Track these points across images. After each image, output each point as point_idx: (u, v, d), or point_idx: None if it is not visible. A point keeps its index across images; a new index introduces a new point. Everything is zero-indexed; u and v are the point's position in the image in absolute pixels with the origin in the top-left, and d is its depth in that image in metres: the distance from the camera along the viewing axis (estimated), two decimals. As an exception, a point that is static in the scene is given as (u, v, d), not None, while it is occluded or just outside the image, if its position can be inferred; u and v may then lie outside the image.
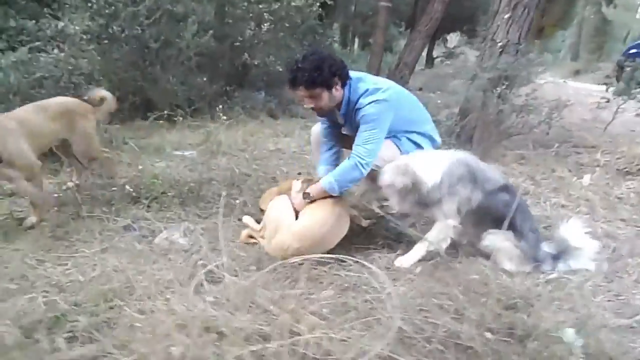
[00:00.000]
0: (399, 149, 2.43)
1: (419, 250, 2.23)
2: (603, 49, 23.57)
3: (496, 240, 2.13)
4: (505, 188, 2.17)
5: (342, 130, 2.64)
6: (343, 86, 2.36)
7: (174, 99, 5.11)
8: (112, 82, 4.76)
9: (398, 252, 2.32)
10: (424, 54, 13.87)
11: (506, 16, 3.66)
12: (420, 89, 9.51)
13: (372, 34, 10.90)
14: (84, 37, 4.69)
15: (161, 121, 5.14)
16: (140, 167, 3.32)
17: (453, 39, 19.56)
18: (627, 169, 3.69)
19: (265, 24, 5.26)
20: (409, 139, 2.47)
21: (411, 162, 2.20)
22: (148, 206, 2.80)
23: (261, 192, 3.13)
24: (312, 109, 2.41)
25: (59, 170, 3.31)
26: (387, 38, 14.65)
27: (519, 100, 3.80)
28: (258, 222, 2.50)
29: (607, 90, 4.52)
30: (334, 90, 2.31)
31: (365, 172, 2.25)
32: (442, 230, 2.21)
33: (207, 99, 5.43)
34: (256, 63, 5.43)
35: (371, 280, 1.93)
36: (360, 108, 2.29)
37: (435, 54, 17.16)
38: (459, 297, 1.87)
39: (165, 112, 4.40)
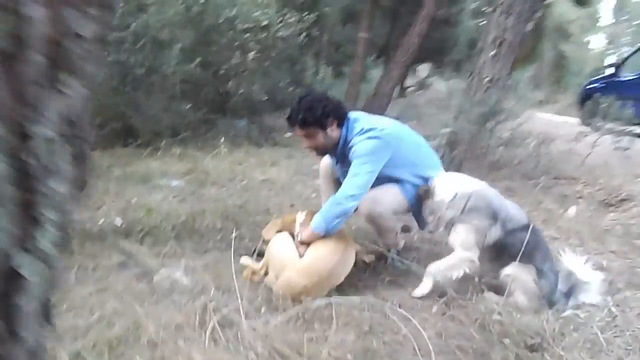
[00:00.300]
0: (405, 196, 2.40)
1: (427, 281, 2.22)
2: (561, 82, 24.94)
3: (518, 271, 2.13)
4: (527, 227, 2.18)
5: (335, 170, 2.64)
6: (340, 126, 2.37)
7: (156, 126, 5.01)
8: (94, 108, 4.61)
9: (409, 290, 2.28)
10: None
11: (492, 53, 3.82)
12: (397, 119, 9.72)
13: (344, 64, 11.13)
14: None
15: (143, 149, 5.05)
16: (133, 199, 3.18)
17: (423, 69, 20.24)
18: (607, 201, 3.84)
19: (251, 53, 5.26)
20: (412, 184, 2.40)
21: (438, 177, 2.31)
22: (141, 240, 2.67)
23: (256, 225, 3.08)
24: (309, 148, 2.45)
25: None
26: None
27: (506, 134, 3.93)
28: (260, 255, 2.44)
29: (584, 124, 4.73)
30: (329, 130, 2.33)
31: (350, 206, 2.19)
32: (453, 260, 2.20)
33: (190, 126, 5.34)
34: (241, 91, 5.39)
35: (387, 321, 1.89)
36: (353, 145, 2.30)
37: (406, 83, 17.65)
38: (476, 337, 1.86)
39: (148, 139, 4.29)
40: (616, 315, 2.21)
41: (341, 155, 2.43)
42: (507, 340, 1.76)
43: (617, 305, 2.29)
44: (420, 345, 1.74)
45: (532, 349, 1.77)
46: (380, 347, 1.71)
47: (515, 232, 2.15)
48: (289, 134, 6.88)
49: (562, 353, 1.76)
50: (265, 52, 5.49)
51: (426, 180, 2.39)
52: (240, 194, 3.76)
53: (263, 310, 1.97)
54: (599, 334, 2.01)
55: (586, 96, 9.63)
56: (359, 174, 2.22)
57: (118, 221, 2.89)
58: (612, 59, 13.23)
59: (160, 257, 2.50)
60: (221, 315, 1.78)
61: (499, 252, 2.18)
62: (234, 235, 2.83)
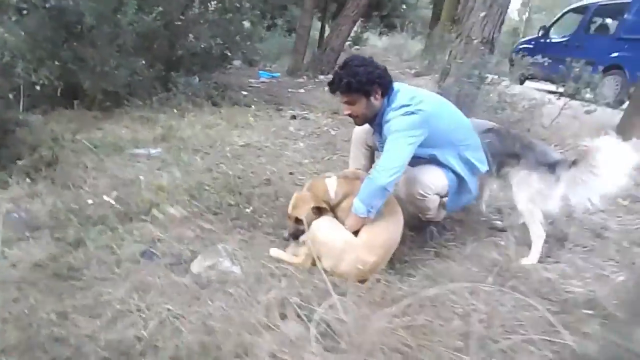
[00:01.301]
0: (447, 177, 2.29)
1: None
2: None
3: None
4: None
5: (374, 140, 2.48)
6: (383, 95, 2.21)
7: (107, 84, 4.37)
8: (30, 62, 3.87)
9: (457, 261, 2.25)
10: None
11: (482, 14, 3.77)
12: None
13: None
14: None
15: (93, 111, 4.43)
16: (115, 172, 2.76)
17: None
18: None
19: (212, 2, 4.70)
20: (451, 165, 2.28)
21: None
22: (152, 221, 2.33)
23: (267, 198, 2.85)
24: (350, 116, 2.27)
25: (7, 181, 2.59)
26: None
27: (495, 97, 3.97)
28: (295, 237, 2.24)
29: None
30: (372, 98, 2.17)
31: (387, 182, 2.01)
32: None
33: (144, 85, 4.74)
34: (202, 46, 4.85)
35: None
36: (389, 120, 2.15)
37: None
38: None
39: (97, 99, 3.71)
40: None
41: (379, 126, 2.27)
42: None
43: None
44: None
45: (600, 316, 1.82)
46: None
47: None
48: (245, 93, 6.47)
49: None
50: (226, 2, 4.93)
51: (467, 161, 2.30)
52: (230, 162, 3.44)
53: (342, 300, 1.78)
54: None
55: (514, 54, 10.18)
56: (395, 149, 2.08)
57: (112, 196, 2.50)
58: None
59: (182, 242, 2.20)
60: (311, 310, 1.59)
61: None
62: (248, 210, 2.65)
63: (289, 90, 7.20)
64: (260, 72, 8.65)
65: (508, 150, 2.47)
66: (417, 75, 9.95)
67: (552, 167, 2.35)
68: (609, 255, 2.53)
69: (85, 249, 2.02)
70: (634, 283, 2.23)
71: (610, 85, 7.63)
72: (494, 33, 3.84)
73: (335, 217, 2.24)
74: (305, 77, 8.39)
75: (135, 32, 4.27)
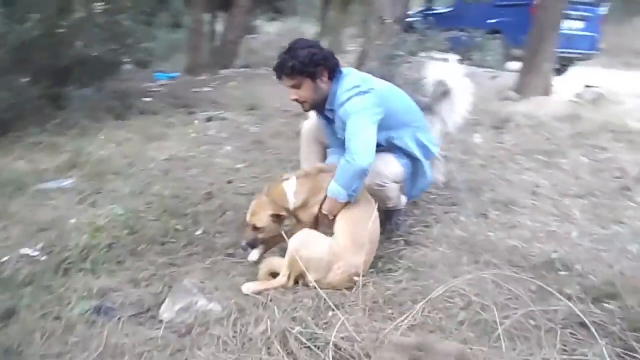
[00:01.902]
0: (402, 165, 2.26)
1: None
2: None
3: None
4: None
5: (323, 130, 2.39)
6: (331, 78, 2.13)
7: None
8: None
9: (429, 247, 2.25)
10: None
11: (390, -6, 3.80)
12: (246, 66, 9.26)
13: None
14: None
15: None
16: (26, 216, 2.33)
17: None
18: (494, 124, 4.40)
19: (97, 3, 4.16)
20: (406, 149, 2.26)
21: None
22: (92, 270, 2.00)
23: (213, 214, 2.64)
24: (297, 102, 2.16)
25: None
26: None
27: (410, 76, 4.05)
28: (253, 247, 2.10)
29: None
30: (318, 81, 2.10)
31: (364, 163, 1.95)
32: None
33: (33, 105, 4.11)
34: (95, 54, 4.30)
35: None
36: (344, 102, 2.08)
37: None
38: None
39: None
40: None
41: (330, 112, 2.18)
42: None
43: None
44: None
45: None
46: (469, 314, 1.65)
47: None
48: (148, 99, 5.94)
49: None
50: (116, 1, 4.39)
51: (421, 144, 2.29)
52: (159, 181, 3.11)
53: (344, 315, 1.67)
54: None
55: (408, 27, 10.66)
56: (362, 129, 2.01)
57: (36, 247, 2.11)
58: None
59: (138, 285, 1.92)
60: (313, 335, 1.47)
61: None
62: (199, 233, 2.41)
63: (194, 90, 6.74)
64: (156, 74, 8.01)
65: None
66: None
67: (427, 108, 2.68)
68: (549, 210, 2.74)
69: (20, 321, 1.66)
70: (578, 234, 2.43)
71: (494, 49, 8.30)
72: (403, 11, 3.91)
73: (298, 220, 2.14)
74: (207, 74, 7.94)
75: (8, 45, 3.63)
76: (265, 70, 8.49)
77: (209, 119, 4.94)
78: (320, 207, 2.06)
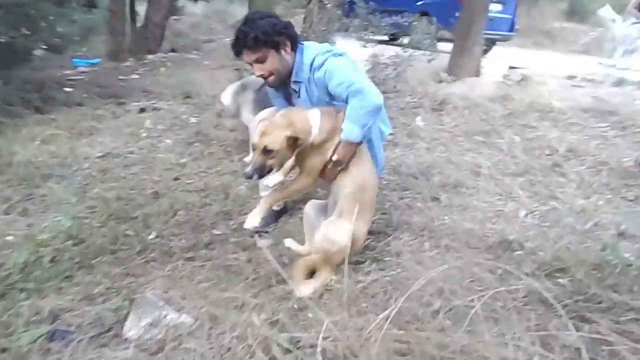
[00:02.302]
0: None
1: None
2: None
3: None
4: None
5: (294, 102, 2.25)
6: (293, 49, 2.09)
7: None
8: None
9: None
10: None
11: (328, -23, 3.74)
12: (173, 50, 8.77)
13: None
14: None
15: None
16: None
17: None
18: (433, 106, 4.54)
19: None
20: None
21: None
22: (38, 290, 1.82)
23: (164, 216, 2.50)
24: (263, 77, 2.08)
25: None
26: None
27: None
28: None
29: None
30: (282, 52, 2.04)
31: (377, 98, 1.86)
32: None
33: None
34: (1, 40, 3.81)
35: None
36: (322, 64, 1.97)
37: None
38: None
39: None
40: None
41: (296, 84, 2.11)
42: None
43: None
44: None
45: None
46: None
47: None
48: (69, 89, 5.44)
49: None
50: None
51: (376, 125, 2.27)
52: (98, 182, 2.88)
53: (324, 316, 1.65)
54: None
55: (350, 9, 10.66)
56: (356, 75, 1.94)
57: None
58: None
59: (93, 302, 1.77)
60: (293, 340, 1.44)
61: None
62: (152, 237, 2.28)
63: (120, 77, 6.29)
64: (75, 60, 7.35)
65: None
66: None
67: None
68: (493, 190, 2.90)
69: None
70: (523, 213, 2.59)
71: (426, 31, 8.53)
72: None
73: (302, 167, 1.93)
74: (132, 59, 7.41)
75: None
76: (196, 55, 8.13)
77: (142, 110, 4.62)
78: (331, 155, 1.91)
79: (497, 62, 6.94)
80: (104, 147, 3.53)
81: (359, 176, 1.95)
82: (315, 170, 1.92)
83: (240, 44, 1.98)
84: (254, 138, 1.81)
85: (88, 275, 1.92)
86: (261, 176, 1.81)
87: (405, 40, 5.05)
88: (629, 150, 3.42)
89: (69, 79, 6.14)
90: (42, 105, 4.52)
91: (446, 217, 2.47)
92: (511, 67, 5.73)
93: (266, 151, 1.76)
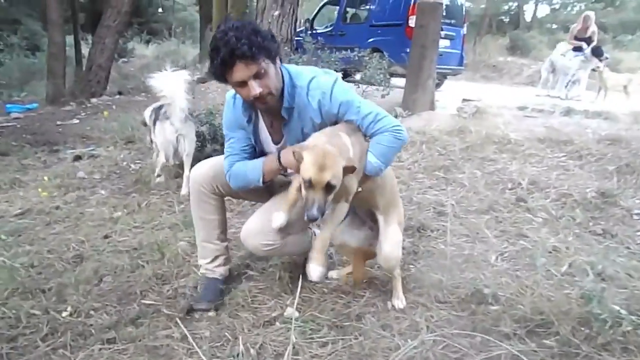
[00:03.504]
0: None
1: None
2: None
3: None
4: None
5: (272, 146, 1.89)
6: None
7: None
8: None
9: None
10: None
11: (276, 13, 3.57)
12: (120, 93, 8.39)
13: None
14: None
15: None
16: None
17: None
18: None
19: None
20: None
21: None
22: None
23: (86, 284, 2.12)
24: (259, 97, 1.61)
25: None
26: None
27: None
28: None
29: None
30: (277, 65, 1.67)
31: (406, 136, 1.71)
32: None
33: None
34: None
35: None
36: (331, 90, 1.67)
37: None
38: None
39: None
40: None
41: (287, 110, 1.72)
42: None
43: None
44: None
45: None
46: None
47: None
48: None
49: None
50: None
51: None
52: (6, 246, 2.45)
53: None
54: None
55: (298, 44, 10.70)
56: (374, 106, 1.71)
57: None
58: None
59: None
60: None
61: None
62: (66, 314, 1.88)
63: (59, 123, 5.84)
64: (8, 106, 6.84)
65: None
66: (202, 81, 9.45)
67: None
68: (459, 231, 2.69)
69: None
70: (493, 256, 2.38)
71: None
72: (291, 31, 3.72)
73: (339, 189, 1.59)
74: (73, 103, 6.97)
75: None
76: (144, 97, 7.77)
77: (77, 158, 4.22)
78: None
79: (450, 95, 7.01)
80: (25, 202, 3.10)
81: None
82: (353, 193, 1.65)
83: (237, 54, 1.51)
84: (311, 173, 1.45)
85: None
86: (323, 214, 1.48)
87: (358, 76, 4.94)
88: (589, 180, 3.35)
89: (-2, 127, 5.64)
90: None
91: (411, 267, 2.22)
92: (464, 100, 5.75)
93: (328, 187, 1.46)
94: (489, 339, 1.50)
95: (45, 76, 7.56)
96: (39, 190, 3.27)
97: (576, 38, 8.13)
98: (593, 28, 8.10)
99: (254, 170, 1.78)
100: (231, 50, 1.50)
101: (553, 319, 1.68)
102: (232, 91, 1.79)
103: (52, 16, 7.01)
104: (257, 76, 1.58)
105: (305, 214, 1.47)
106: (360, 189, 1.68)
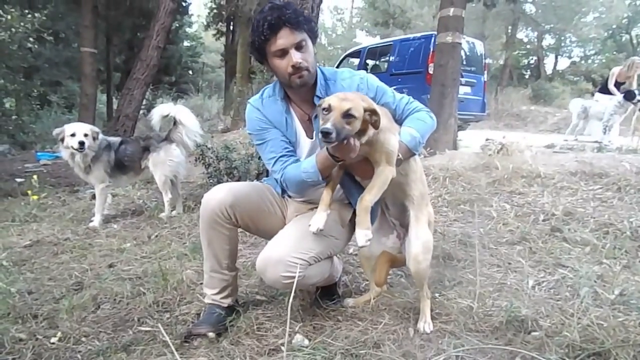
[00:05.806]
0: None
1: None
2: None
3: None
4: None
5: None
6: None
7: None
8: None
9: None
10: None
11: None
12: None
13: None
14: None
15: None
16: None
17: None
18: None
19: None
20: None
21: None
22: None
23: (81, 310, 1.97)
24: (299, 69, 1.60)
25: None
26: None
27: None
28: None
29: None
30: (314, 48, 1.71)
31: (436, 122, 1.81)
32: None
33: None
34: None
35: None
36: (364, 76, 1.77)
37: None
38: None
39: None
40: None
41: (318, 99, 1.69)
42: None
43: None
44: None
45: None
46: None
47: None
48: (20, 180, 5.05)
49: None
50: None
51: None
52: (8, 273, 2.34)
53: None
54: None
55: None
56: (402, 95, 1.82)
57: None
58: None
59: None
60: None
61: None
62: (55, 340, 1.72)
63: (83, 168, 5.93)
64: (39, 154, 7.06)
65: (139, 148, 3.66)
66: (225, 131, 9.66)
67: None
68: (489, 261, 2.45)
69: None
70: (528, 284, 2.13)
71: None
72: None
73: (379, 153, 1.55)
74: (99, 151, 7.15)
75: None
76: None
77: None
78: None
79: (473, 135, 6.86)
80: (36, 234, 3.04)
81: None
82: (394, 156, 1.57)
83: (284, 19, 1.56)
84: (333, 101, 1.44)
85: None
86: (338, 138, 1.40)
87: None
88: (631, 211, 3.06)
89: (27, 172, 5.78)
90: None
91: (436, 294, 1.98)
92: (488, 139, 5.59)
93: (347, 115, 1.42)
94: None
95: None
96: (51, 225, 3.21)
97: (617, 82, 7.66)
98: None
99: (308, 168, 1.62)
100: (279, 15, 1.56)
101: (608, 347, 1.41)
102: (256, 96, 1.82)
103: (86, 70, 7.39)
104: (299, 48, 1.61)
105: (319, 131, 1.40)
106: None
